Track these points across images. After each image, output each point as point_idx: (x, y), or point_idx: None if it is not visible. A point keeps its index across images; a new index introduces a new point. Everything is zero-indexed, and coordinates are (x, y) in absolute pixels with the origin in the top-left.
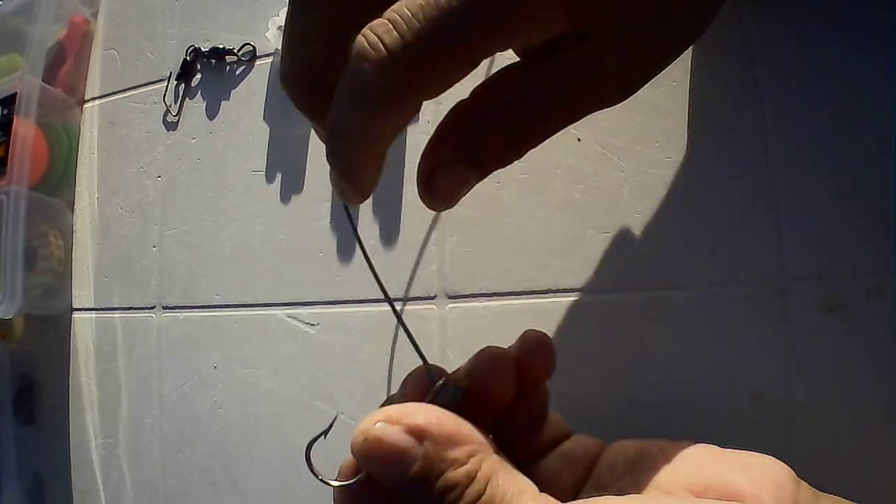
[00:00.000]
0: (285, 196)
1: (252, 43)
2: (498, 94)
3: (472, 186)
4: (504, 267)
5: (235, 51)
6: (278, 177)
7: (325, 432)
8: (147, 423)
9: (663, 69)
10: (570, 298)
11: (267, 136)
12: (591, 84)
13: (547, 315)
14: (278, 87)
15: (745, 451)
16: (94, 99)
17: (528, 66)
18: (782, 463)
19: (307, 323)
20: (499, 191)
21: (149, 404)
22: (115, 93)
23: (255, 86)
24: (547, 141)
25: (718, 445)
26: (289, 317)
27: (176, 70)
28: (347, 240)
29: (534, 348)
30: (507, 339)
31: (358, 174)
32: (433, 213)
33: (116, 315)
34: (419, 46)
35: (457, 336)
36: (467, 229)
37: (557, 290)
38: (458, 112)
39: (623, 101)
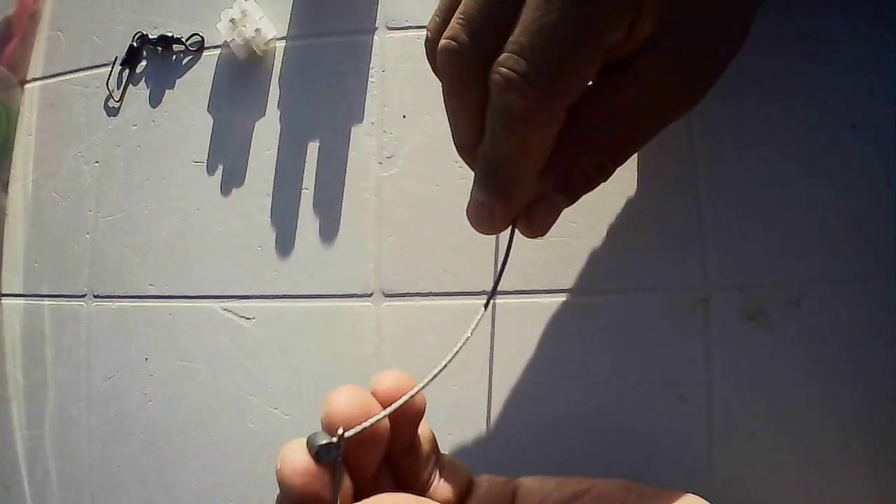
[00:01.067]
0: (226, 188)
1: (201, 33)
2: (584, 121)
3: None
4: (441, 268)
5: (184, 40)
6: (220, 168)
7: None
8: (74, 415)
9: (724, 69)
10: (503, 300)
11: (210, 128)
12: (663, 88)
13: (489, 317)
14: (225, 78)
15: (666, 489)
16: (35, 80)
17: (604, 87)
18: (700, 499)
19: (243, 317)
20: (438, 193)
21: (77, 396)
22: (57, 74)
23: (201, 76)
24: None
25: (647, 447)
26: (224, 310)
27: (121, 55)
28: (286, 234)
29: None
30: (440, 337)
31: (518, 194)
32: (373, 212)
33: (46, 302)
34: (544, 64)
35: (392, 334)
36: (406, 229)
37: (501, 295)
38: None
39: (694, 105)
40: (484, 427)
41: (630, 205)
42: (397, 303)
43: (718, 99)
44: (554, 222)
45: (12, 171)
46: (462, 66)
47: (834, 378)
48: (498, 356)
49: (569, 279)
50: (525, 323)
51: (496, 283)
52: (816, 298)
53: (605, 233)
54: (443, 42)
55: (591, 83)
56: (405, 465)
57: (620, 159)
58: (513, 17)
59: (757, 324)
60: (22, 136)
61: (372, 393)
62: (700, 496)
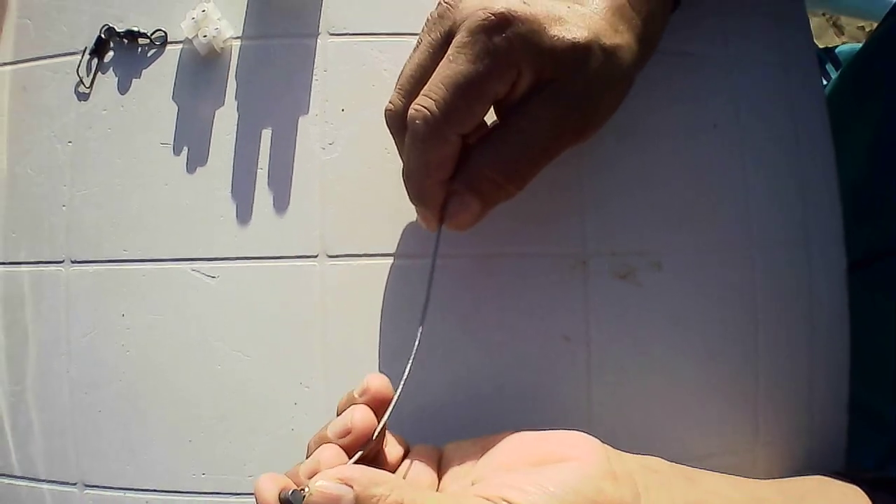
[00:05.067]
0: (191, 168)
1: (164, 29)
2: (489, 137)
3: (482, 212)
4: (375, 233)
5: (148, 34)
6: (185, 150)
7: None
8: (55, 368)
9: (614, 105)
10: (410, 262)
11: (175, 115)
12: (555, 116)
13: (416, 274)
14: (188, 71)
15: (558, 430)
16: (6, 64)
17: (508, 116)
18: (588, 434)
19: (208, 276)
20: (371, 173)
21: (57, 350)
22: (28, 60)
23: (166, 69)
24: None
25: (536, 387)
26: (192, 270)
27: (90, 45)
28: (244, 206)
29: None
30: (374, 291)
31: (428, 200)
32: (317, 189)
33: (24, 269)
34: (441, 101)
35: (334, 288)
36: (345, 203)
37: (423, 256)
38: (467, 153)
39: (580, 137)
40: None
41: (533, 188)
42: (338, 262)
43: None
44: (471, 217)
45: None
46: (396, 119)
47: (689, 326)
48: (404, 315)
49: (470, 244)
50: (445, 281)
51: (429, 284)
52: (677, 263)
53: (502, 206)
54: (385, 109)
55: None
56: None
57: (526, 171)
58: (429, 77)
59: (627, 282)
60: None
61: (363, 391)
62: (584, 431)
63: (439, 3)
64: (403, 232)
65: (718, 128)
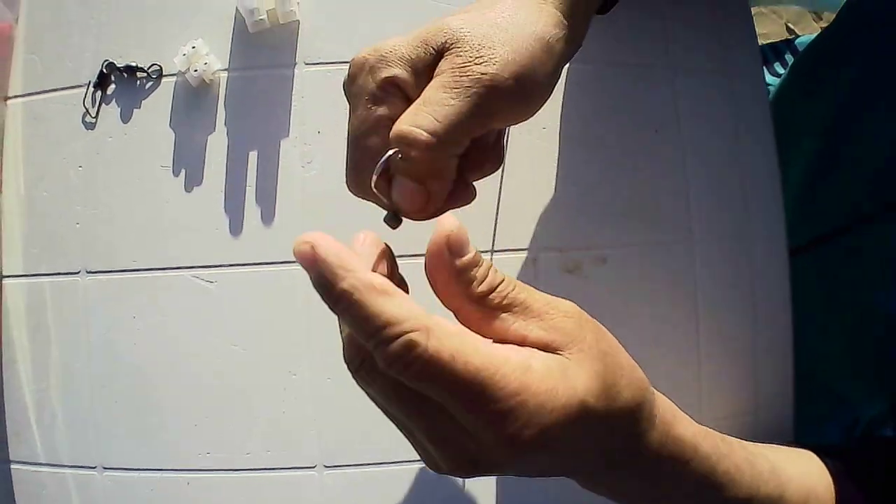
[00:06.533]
0: (188, 186)
1: (159, 63)
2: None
3: (425, 190)
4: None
5: (145, 69)
6: (182, 171)
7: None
8: (76, 365)
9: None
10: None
11: (173, 140)
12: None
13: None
14: (182, 101)
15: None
16: (17, 96)
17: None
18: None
19: (207, 281)
20: (345, 189)
21: (77, 350)
22: (37, 93)
23: (162, 99)
24: None
25: None
26: (193, 276)
27: (93, 79)
28: (236, 219)
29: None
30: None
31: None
32: (299, 202)
33: (45, 279)
34: (439, 134)
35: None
36: (324, 214)
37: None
38: None
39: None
40: None
41: (479, 190)
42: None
43: (557, 110)
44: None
45: (4, 174)
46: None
47: (633, 314)
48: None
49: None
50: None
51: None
52: (620, 257)
53: (471, 209)
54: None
55: None
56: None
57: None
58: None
59: (574, 276)
60: (9, 145)
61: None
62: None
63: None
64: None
65: (660, 132)
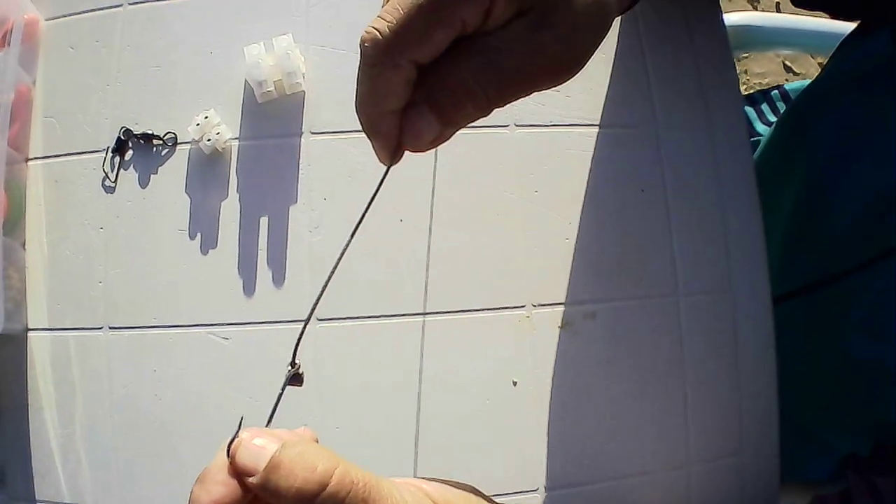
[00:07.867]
0: (204, 249)
1: (174, 132)
2: (458, 49)
3: (441, 134)
4: (357, 298)
5: (161, 136)
6: (198, 235)
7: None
8: (100, 414)
9: (594, 44)
10: (396, 321)
11: (188, 205)
12: (535, 41)
13: (401, 329)
14: (196, 168)
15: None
16: (37, 158)
17: (480, 36)
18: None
19: (222, 337)
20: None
21: (100, 400)
22: (57, 155)
23: (177, 165)
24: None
25: (489, 429)
26: (208, 333)
27: (111, 144)
28: (249, 280)
29: None
30: (364, 349)
31: (379, 130)
32: (307, 265)
33: (70, 334)
34: (394, 24)
35: (325, 346)
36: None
37: (407, 314)
38: (432, 67)
39: (563, 77)
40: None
41: (477, 251)
42: (328, 324)
43: (548, 175)
44: (427, 133)
45: (27, 234)
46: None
47: (621, 367)
48: (391, 372)
49: (430, 303)
50: (402, 339)
51: (320, 296)
52: (608, 312)
53: (457, 268)
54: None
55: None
56: None
57: (490, 94)
58: None
59: (565, 330)
60: (32, 206)
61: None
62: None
63: None
64: (385, 295)
65: (646, 192)
